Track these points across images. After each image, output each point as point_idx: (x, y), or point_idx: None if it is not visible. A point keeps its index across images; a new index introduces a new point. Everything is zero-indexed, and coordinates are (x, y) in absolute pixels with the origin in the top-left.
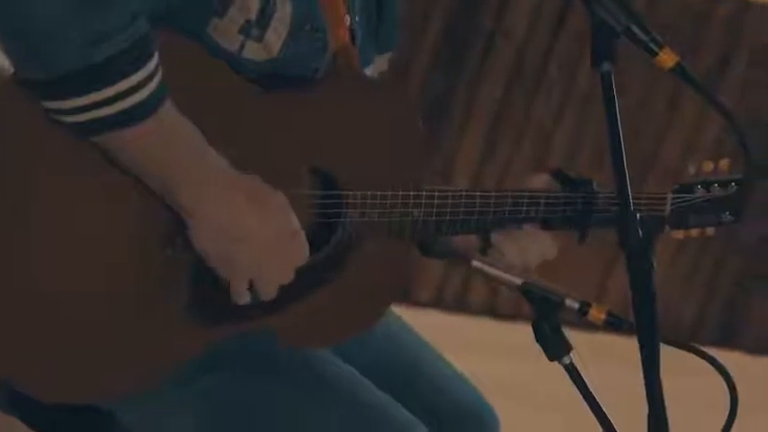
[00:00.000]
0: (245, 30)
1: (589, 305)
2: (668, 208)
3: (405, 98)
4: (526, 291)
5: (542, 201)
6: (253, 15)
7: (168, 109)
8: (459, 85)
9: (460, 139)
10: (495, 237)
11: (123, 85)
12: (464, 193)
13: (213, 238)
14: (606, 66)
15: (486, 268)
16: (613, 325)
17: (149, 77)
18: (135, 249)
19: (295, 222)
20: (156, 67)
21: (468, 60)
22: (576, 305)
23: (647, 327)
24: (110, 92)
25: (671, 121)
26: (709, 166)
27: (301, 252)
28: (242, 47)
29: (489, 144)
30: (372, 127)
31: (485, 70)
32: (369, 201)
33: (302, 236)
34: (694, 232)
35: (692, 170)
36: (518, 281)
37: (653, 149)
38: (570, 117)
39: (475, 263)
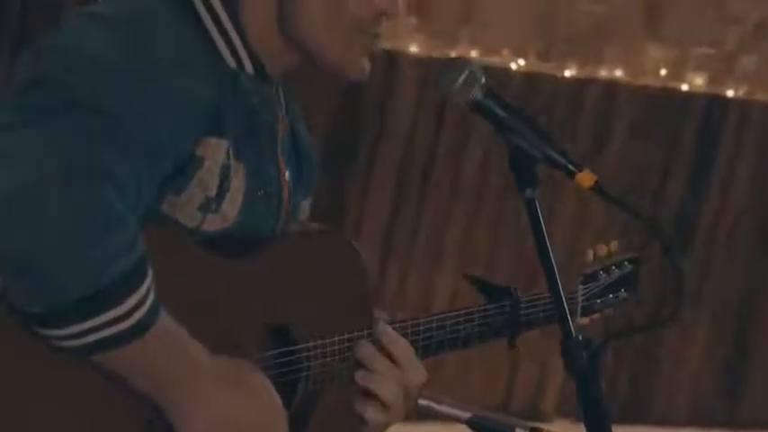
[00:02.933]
0: (203, 206)
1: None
2: (580, 300)
3: (347, 244)
4: (474, 424)
5: (476, 317)
6: (212, 192)
7: (162, 318)
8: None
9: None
10: None
11: (125, 306)
12: (410, 323)
13: (204, 430)
14: (530, 192)
15: (434, 405)
16: None
17: (147, 293)
18: None
19: (277, 399)
20: (152, 279)
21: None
22: None
23: None
24: (112, 314)
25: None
26: (603, 249)
27: (285, 425)
28: (201, 223)
29: (385, 243)
30: (320, 277)
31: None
32: (328, 349)
33: (284, 412)
34: (597, 315)
35: (590, 256)
36: (465, 415)
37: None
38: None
39: (421, 401)
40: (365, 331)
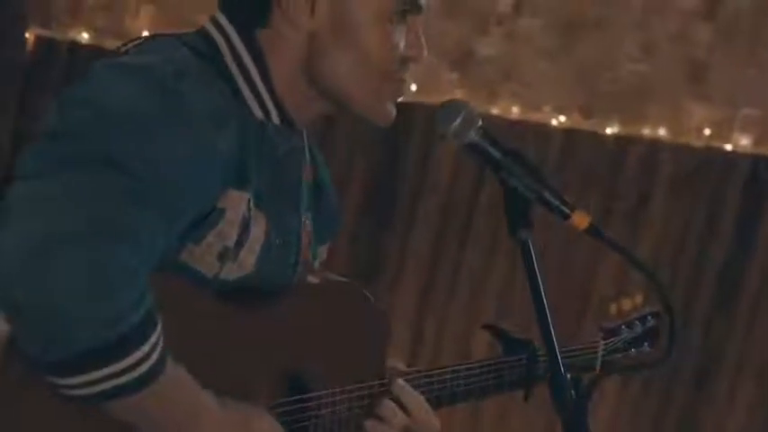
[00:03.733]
0: (221, 256)
1: None
2: (600, 354)
3: (362, 294)
4: None
5: (491, 368)
6: (231, 242)
7: (169, 365)
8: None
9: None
10: None
11: (136, 355)
12: (423, 374)
13: None
14: (524, 233)
15: None
16: None
17: (157, 342)
18: None
19: None
20: (160, 331)
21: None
22: None
23: None
24: (123, 364)
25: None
26: (627, 303)
27: None
28: (219, 271)
29: (424, 295)
30: (335, 326)
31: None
32: (338, 397)
33: None
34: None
35: (613, 310)
36: None
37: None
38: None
39: None
40: (376, 381)
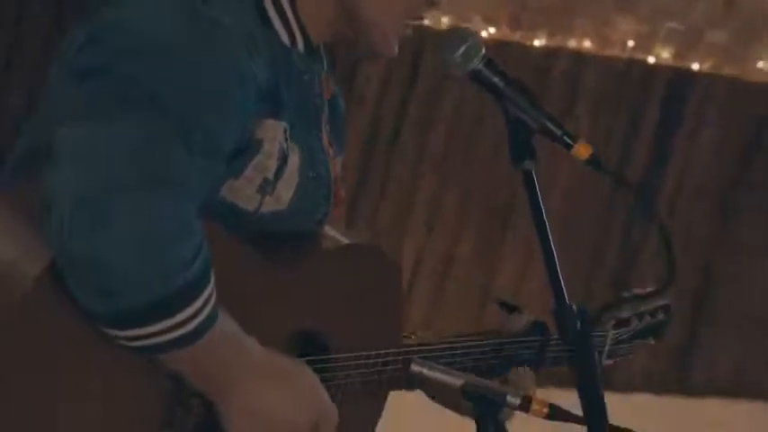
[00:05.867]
0: (262, 188)
1: (530, 400)
2: (608, 343)
3: (387, 260)
4: (467, 391)
5: (504, 347)
6: (271, 174)
7: (220, 318)
8: None
9: None
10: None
11: (188, 311)
12: (439, 345)
13: (252, 429)
14: (528, 164)
15: (426, 371)
16: (556, 417)
17: (210, 296)
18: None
19: (327, 401)
20: (213, 282)
21: None
22: (518, 401)
23: (594, 417)
24: (176, 319)
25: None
26: (640, 292)
27: (334, 423)
28: (260, 205)
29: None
30: (356, 290)
31: None
32: (352, 362)
33: (335, 412)
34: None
35: (626, 294)
36: (458, 382)
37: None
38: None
39: (414, 367)
40: (391, 350)
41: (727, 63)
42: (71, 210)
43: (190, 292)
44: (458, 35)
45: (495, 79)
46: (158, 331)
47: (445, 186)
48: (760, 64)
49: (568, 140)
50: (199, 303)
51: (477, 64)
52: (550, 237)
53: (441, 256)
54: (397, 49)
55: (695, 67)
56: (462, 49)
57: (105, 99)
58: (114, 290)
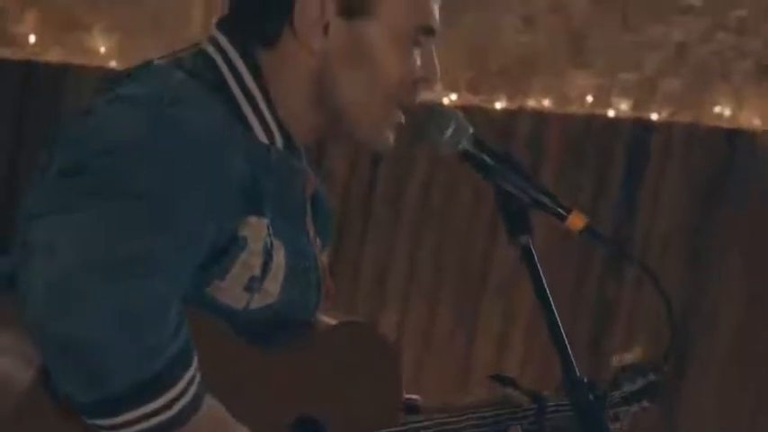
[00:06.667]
0: (249, 287)
1: None
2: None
3: (381, 339)
4: None
5: (504, 417)
6: (257, 271)
7: (206, 400)
8: None
9: None
10: None
11: (171, 394)
12: (434, 421)
13: None
14: (524, 239)
15: None
16: None
17: (193, 377)
18: None
19: None
20: (196, 363)
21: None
22: None
23: None
24: (159, 403)
25: None
26: (629, 356)
27: None
28: (248, 303)
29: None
30: (353, 369)
31: None
32: None
33: None
34: (619, 424)
35: (615, 362)
36: None
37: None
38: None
39: None
40: (393, 429)
41: (684, 110)
42: (47, 293)
43: (171, 374)
44: (443, 115)
45: (485, 157)
46: (142, 416)
47: (419, 257)
48: (716, 108)
49: (562, 212)
50: (182, 384)
51: (465, 144)
52: (555, 310)
53: (419, 330)
54: (392, 140)
55: (654, 116)
56: (450, 129)
57: (79, 192)
58: (91, 375)
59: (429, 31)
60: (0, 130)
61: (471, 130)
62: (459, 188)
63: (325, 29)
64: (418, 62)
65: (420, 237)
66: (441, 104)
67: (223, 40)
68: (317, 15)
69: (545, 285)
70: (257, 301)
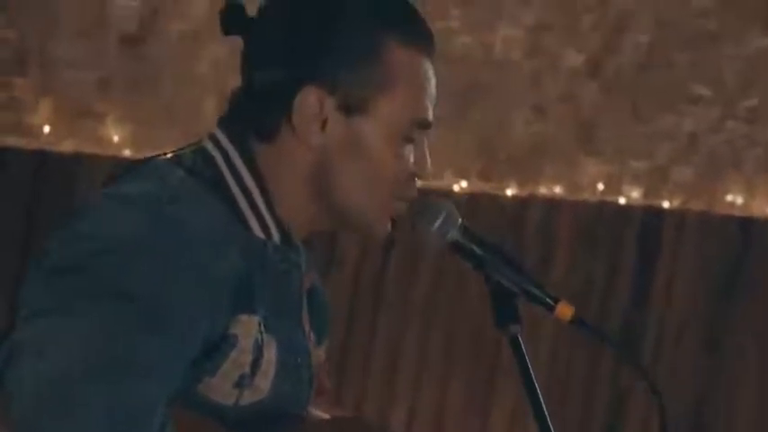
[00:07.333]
0: (239, 384)
1: None
2: None
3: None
4: None
5: None
6: (247, 369)
7: None
8: None
9: None
10: None
11: None
12: None
13: None
14: (513, 328)
15: None
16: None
17: None
18: None
19: None
20: None
21: None
22: None
23: None
24: None
25: None
26: None
27: None
28: (238, 399)
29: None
30: None
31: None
32: None
33: None
34: None
35: None
36: None
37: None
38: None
39: None
40: None
41: (696, 198)
42: (35, 398)
43: None
44: (433, 207)
45: (475, 247)
46: None
47: (430, 338)
48: (728, 197)
49: (550, 302)
50: None
51: (455, 235)
52: (542, 401)
53: (432, 411)
54: (389, 227)
55: (665, 204)
56: (439, 220)
57: (74, 294)
58: None
59: (424, 124)
60: (13, 219)
61: (460, 221)
62: (470, 271)
63: (324, 124)
64: (411, 158)
65: (431, 321)
66: (432, 197)
67: (222, 138)
68: (315, 111)
69: (532, 377)
70: (247, 397)
